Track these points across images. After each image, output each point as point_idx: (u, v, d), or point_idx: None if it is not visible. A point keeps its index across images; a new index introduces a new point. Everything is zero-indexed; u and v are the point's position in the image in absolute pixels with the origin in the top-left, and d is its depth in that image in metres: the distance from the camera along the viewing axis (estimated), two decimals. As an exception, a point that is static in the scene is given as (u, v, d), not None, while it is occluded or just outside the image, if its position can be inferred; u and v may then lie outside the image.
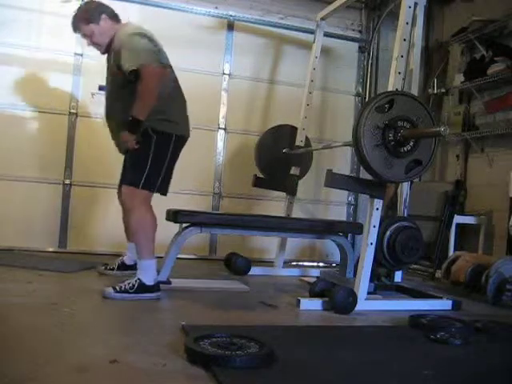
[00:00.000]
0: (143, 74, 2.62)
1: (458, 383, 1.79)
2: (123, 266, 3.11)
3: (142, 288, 2.64)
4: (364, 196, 3.60)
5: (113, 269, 3.17)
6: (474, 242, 4.31)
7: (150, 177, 2.74)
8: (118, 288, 2.61)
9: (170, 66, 2.90)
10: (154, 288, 2.70)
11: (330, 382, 1.68)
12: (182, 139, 2.88)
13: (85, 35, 2.87)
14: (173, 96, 2.87)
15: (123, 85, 2.76)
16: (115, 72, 2.78)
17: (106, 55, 2.94)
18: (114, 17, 2.90)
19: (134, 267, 2.91)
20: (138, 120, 2.66)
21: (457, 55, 4.78)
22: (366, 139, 2.65)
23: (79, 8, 2.88)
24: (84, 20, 2.82)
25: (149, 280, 2.67)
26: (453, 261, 3.60)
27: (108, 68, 2.93)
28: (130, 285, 2.63)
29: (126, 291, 2.61)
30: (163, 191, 2.85)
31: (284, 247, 4.04)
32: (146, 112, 2.66)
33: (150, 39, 2.78)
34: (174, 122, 2.82)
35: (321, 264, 4.64)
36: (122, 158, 3.46)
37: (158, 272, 3.02)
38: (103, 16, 2.83)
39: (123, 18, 4.21)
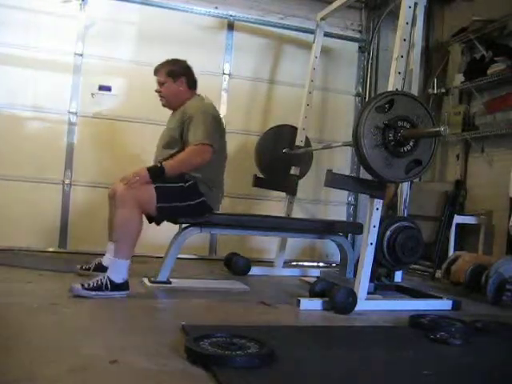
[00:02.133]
0: (197, 149, 2.81)
1: (457, 383, 1.79)
2: (100, 268, 3.04)
3: (111, 286, 2.62)
4: (364, 196, 3.59)
5: (89, 269, 3.13)
6: (474, 241, 4.30)
7: (164, 189, 2.80)
8: (86, 285, 2.60)
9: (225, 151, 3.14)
10: (124, 286, 2.67)
11: (330, 382, 1.68)
12: (208, 208, 2.99)
13: (159, 82, 3.05)
14: (217, 175, 3.09)
15: (175, 141, 2.95)
16: (174, 128, 2.96)
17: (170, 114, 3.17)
18: (193, 84, 3.10)
19: None
20: (164, 171, 2.77)
21: (457, 55, 4.78)
22: (366, 139, 2.65)
23: (170, 59, 3.10)
24: (166, 70, 3.04)
25: (117, 278, 2.65)
26: (453, 261, 3.60)
27: (168, 125, 3.12)
28: (99, 282, 2.61)
29: (93, 288, 2.59)
30: (161, 213, 2.87)
31: (284, 247, 4.04)
32: (173, 173, 2.81)
33: (220, 122, 3.00)
34: (212, 194, 3.00)
35: (321, 264, 4.64)
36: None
37: (158, 272, 3.03)
38: (182, 79, 3.04)
39: (123, 18, 4.27)
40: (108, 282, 2.62)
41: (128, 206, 2.69)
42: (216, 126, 2.95)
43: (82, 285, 2.60)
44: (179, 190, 2.86)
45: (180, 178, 2.88)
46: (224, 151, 3.11)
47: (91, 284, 2.61)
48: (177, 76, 3.03)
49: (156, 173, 2.77)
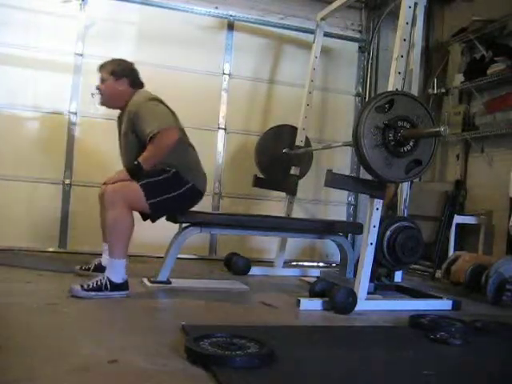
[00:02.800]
0: (162, 134, 2.75)
1: (457, 383, 1.79)
2: (100, 268, 3.03)
3: (111, 286, 2.62)
4: (364, 196, 3.60)
5: (88, 269, 3.13)
6: (474, 241, 4.31)
7: (150, 185, 2.78)
8: (85, 286, 2.59)
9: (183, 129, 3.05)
10: (123, 286, 2.67)
11: (329, 382, 1.68)
12: (198, 193, 2.98)
13: (101, 78, 3.01)
14: (193, 158, 3.03)
15: (133, 141, 2.90)
16: (126, 132, 2.93)
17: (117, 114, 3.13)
18: (136, 85, 3.03)
19: None
20: (141, 167, 2.75)
21: (457, 55, 4.78)
22: (366, 139, 2.65)
23: (117, 59, 3.06)
24: (110, 68, 2.99)
25: (117, 278, 2.65)
26: (453, 261, 3.60)
27: (119, 126, 3.08)
28: (99, 283, 2.61)
29: (93, 289, 2.59)
30: (154, 209, 2.84)
31: (284, 247, 4.04)
32: (150, 164, 2.78)
33: (164, 104, 2.94)
34: (197, 177, 2.97)
35: (321, 264, 4.64)
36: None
37: (158, 272, 3.03)
38: (124, 79, 2.98)
39: (123, 18, 4.28)
40: (108, 283, 2.62)
41: (117, 206, 2.68)
42: (163, 108, 2.91)
43: (82, 286, 2.60)
44: (165, 182, 2.84)
45: (161, 171, 2.85)
46: (181, 130, 3.01)
47: (91, 285, 2.60)
48: (119, 76, 2.98)
49: (134, 170, 2.76)
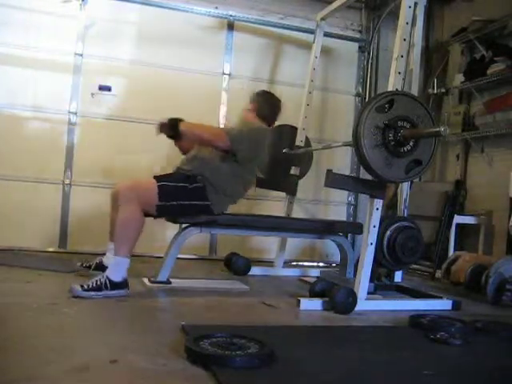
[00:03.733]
0: (218, 131, 3.03)
1: (457, 383, 1.79)
2: (100, 267, 3.02)
3: (111, 285, 2.61)
4: (364, 196, 3.59)
5: (89, 267, 3.13)
6: (474, 242, 4.30)
7: (167, 188, 2.82)
8: (85, 286, 2.59)
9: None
10: (123, 284, 2.66)
11: (329, 382, 1.68)
12: (209, 210, 2.99)
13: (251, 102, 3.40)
14: (235, 193, 3.15)
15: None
16: None
17: None
18: (260, 114, 3.33)
19: None
20: (178, 125, 2.88)
21: (457, 55, 4.78)
22: (366, 139, 2.65)
23: (269, 92, 3.61)
24: (256, 98, 3.40)
25: (117, 277, 2.64)
26: (453, 261, 3.60)
27: None
28: (98, 283, 2.60)
29: (93, 289, 2.58)
30: (160, 212, 2.87)
31: (284, 247, 4.04)
32: (188, 131, 2.93)
33: (259, 142, 3.11)
34: (220, 203, 3.03)
35: (321, 264, 4.64)
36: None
37: (158, 272, 3.03)
38: (253, 104, 3.36)
39: (123, 18, 4.27)
40: (107, 282, 2.62)
41: (131, 204, 2.69)
42: (249, 139, 3.03)
43: (82, 286, 2.59)
44: (181, 189, 2.86)
45: (186, 178, 2.88)
46: (251, 169, 3.18)
47: (90, 284, 2.60)
48: (252, 101, 3.38)
49: (172, 124, 2.90)
